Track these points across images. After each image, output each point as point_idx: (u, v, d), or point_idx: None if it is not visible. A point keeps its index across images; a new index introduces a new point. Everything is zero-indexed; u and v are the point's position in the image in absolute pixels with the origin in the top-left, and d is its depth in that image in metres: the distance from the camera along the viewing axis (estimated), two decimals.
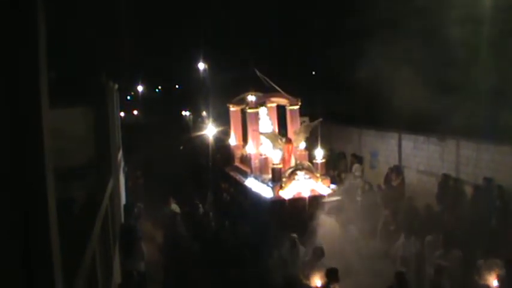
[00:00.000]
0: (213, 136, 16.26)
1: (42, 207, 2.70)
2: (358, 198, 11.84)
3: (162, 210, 11.67)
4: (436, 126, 12.71)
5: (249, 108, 12.28)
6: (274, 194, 10.56)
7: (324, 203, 10.27)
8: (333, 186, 11.17)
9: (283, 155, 11.34)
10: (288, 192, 10.52)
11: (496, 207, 9.95)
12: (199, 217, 11.42)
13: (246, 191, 11.69)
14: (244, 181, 12.06)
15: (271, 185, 10.77)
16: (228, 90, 16.78)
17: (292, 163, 11.35)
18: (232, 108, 13.85)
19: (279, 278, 7.65)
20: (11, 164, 2.60)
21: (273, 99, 12.84)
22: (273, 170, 10.86)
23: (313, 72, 25.89)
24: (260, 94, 12.70)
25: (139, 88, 42.51)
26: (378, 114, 15.34)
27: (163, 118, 33.35)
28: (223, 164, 14.70)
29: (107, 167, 8.68)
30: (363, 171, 14.86)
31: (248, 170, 12.24)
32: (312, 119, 12.57)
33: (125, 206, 11.39)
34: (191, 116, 35.13)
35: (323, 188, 10.82)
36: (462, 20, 11.32)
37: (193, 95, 32.87)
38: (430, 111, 11.76)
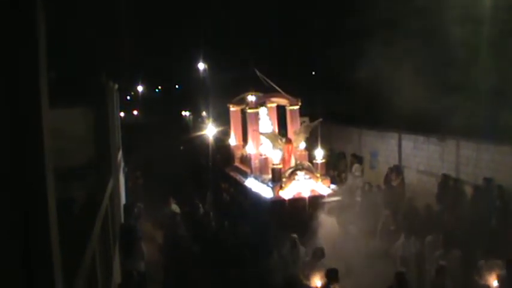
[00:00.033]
0: (213, 136, 16.26)
1: (42, 207, 2.70)
2: (358, 199, 11.84)
3: (162, 210, 11.67)
4: (436, 126, 12.71)
5: (249, 108, 12.28)
6: (274, 194, 10.56)
7: (324, 203, 10.27)
8: (333, 186, 11.17)
9: (283, 155, 11.35)
10: (288, 193, 10.52)
11: (496, 207, 9.95)
12: (200, 217, 11.42)
13: (246, 191, 11.69)
14: (244, 181, 12.06)
15: (271, 185, 10.77)
16: (228, 90, 16.78)
17: (292, 163, 11.35)
18: (232, 108, 13.85)
19: (279, 278, 7.66)
20: (11, 164, 2.60)
21: (273, 99, 12.84)
22: (273, 170, 10.86)
23: (313, 72, 25.88)
24: (260, 94, 12.70)
25: (139, 88, 42.52)
26: (378, 114, 15.35)
27: (163, 118, 33.34)
28: (223, 164, 14.70)
29: (107, 167, 8.67)
30: (362, 171, 14.86)
31: (248, 170, 12.24)
32: (312, 119, 12.58)
33: (125, 206, 11.38)
34: (191, 116, 35.14)
35: (323, 188, 10.82)
36: (462, 20, 11.32)
37: (193, 95, 32.87)
38: (430, 111, 11.77)
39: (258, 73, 12.47)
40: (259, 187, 11.21)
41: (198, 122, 29.35)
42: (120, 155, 12.32)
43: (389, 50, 11.93)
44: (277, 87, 12.29)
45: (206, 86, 29.59)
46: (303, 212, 10.23)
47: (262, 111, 12.54)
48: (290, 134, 12.27)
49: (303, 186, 10.62)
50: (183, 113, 37.22)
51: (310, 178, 10.78)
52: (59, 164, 3.75)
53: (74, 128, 7.38)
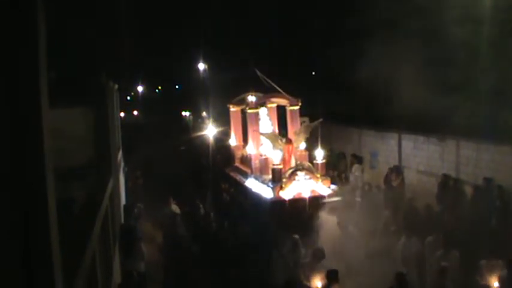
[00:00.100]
0: (213, 136, 16.26)
1: (42, 207, 2.70)
2: (358, 199, 11.84)
3: (162, 210, 11.67)
4: (436, 126, 12.72)
5: (249, 108, 12.27)
6: (274, 194, 10.55)
7: (324, 203, 10.26)
8: (333, 186, 11.17)
9: (284, 155, 11.34)
10: (288, 193, 10.51)
11: (496, 207, 9.95)
12: (200, 217, 11.42)
13: (246, 191, 11.68)
14: (244, 182, 12.05)
15: (271, 185, 10.76)
16: (228, 90, 16.78)
17: (293, 163, 11.35)
18: (233, 109, 13.85)
19: (280, 278, 7.65)
20: (11, 164, 2.59)
21: (273, 99, 12.83)
22: (273, 170, 10.85)
23: (313, 72, 25.88)
24: (260, 94, 12.69)
25: (140, 88, 42.50)
26: (377, 114, 15.35)
27: (163, 118, 33.32)
28: (223, 164, 14.69)
29: (107, 167, 8.68)
30: (362, 171, 14.85)
31: (248, 171, 12.24)
32: (312, 119, 12.56)
33: (125, 206, 11.38)
34: (191, 117, 35.13)
35: (323, 188, 10.82)
36: (462, 20, 11.32)
37: (193, 95, 32.86)
38: (430, 111, 11.77)
39: (258, 73, 12.46)
40: (259, 187, 11.20)
41: (198, 122, 29.35)
42: (120, 155, 12.32)
43: (389, 50, 11.95)
44: (277, 88, 12.28)
45: (206, 86, 29.59)
46: (303, 212, 10.22)
47: (263, 111, 12.53)
48: (290, 134, 12.26)
49: (303, 186, 10.61)
50: (183, 113, 37.21)
51: (310, 178, 10.77)
52: (59, 164, 3.75)
53: (74, 128, 7.38)
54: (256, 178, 11.68)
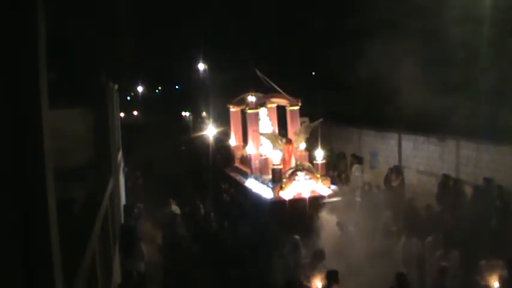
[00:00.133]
0: (213, 137, 16.26)
1: (42, 207, 2.70)
2: (358, 199, 11.84)
3: (162, 210, 11.67)
4: (436, 126, 12.71)
5: (249, 108, 12.28)
6: (274, 194, 10.55)
7: (324, 203, 10.26)
8: (333, 187, 11.17)
9: (284, 155, 11.34)
10: (288, 193, 10.51)
11: (496, 207, 9.96)
12: (201, 217, 11.42)
13: (246, 191, 11.68)
14: (244, 182, 12.05)
15: (271, 185, 10.76)
16: (228, 90, 16.77)
17: (293, 164, 11.35)
18: (233, 109, 13.84)
19: (280, 278, 7.65)
20: (11, 164, 2.59)
21: (273, 99, 12.83)
22: (273, 170, 10.85)
23: (313, 72, 25.87)
24: (260, 95, 12.69)
25: (139, 88, 42.51)
26: (377, 115, 15.35)
27: (163, 118, 33.33)
28: (223, 164, 14.70)
29: (107, 167, 8.68)
30: (362, 171, 14.85)
31: (248, 171, 12.24)
32: (312, 120, 12.56)
33: (125, 206, 11.39)
34: (191, 117, 35.12)
35: (323, 188, 10.82)
36: (462, 20, 11.32)
37: (193, 95, 32.85)
38: (430, 111, 11.77)
39: (258, 73, 12.46)
40: (259, 188, 11.20)
41: (198, 123, 29.34)
42: (120, 155, 12.33)
43: (389, 50, 11.93)
44: (277, 88, 12.28)
45: (206, 87, 29.58)
46: (303, 212, 10.22)
47: (263, 111, 12.53)
48: (290, 135, 12.26)
49: (303, 186, 10.62)
50: (183, 113, 37.21)
51: (310, 179, 10.77)
52: (59, 164, 3.75)
53: (74, 128, 7.38)
54: (256, 178, 11.68)
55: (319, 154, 11.26)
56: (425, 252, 8.58)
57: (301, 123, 12.64)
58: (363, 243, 8.85)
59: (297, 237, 8.65)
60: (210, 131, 16.28)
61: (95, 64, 8.58)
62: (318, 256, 7.87)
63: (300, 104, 12.51)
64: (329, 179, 11.28)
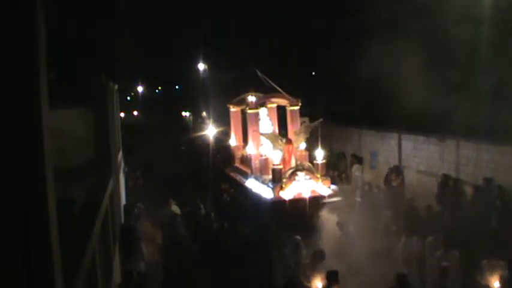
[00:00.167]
0: (213, 137, 16.26)
1: (42, 207, 2.70)
2: (358, 199, 11.84)
3: (162, 210, 11.67)
4: (436, 126, 12.72)
5: (249, 108, 12.27)
6: (274, 194, 10.55)
7: (324, 203, 10.26)
8: (333, 187, 11.17)
9: (284, 155, 11.33)
10: (288, 193, 10.51)
11: (496, 207, 9.96)
12: (201, 217, 11.42)
13: (246, 191, 11.68)
14: (244, 182, 12.05)
15: (271, 185, 10.76)
16: (228, 90, 16.77)
17: (293, 164, 11.34)
18: (233, 109, 13.84)
19: (280, 278, 7.65)
20: (11, 164, 2.59)
21: (273, 99, 12.83)
22: (274, 170, 10.85)
23: (313, 72, 25.87)
24: (260, 95, 12.69)
25: (140, 88, 42.51)
26: (378, 114, 15.35)
27: (163, 118, 33.33)
28: (223, 164, 14.69)
29: (107, 168, 8.68)
30: (362, 171, 14.85)
31: (248, 171, 12.23)
32: (312, 120, 12.56)
33: (125, 206, 11.39)
34: (191, 117, 35.12)
35: (323, 188, 10.81)
36: (462, 20, 11.32)
37: (193, 95, 32.85)
38: (430, 111, 11.77)
39: (259, 73, 12.45)
40: (259, 188, 11.20)
41: (198, 123, 29.34)
42: (120, 155, 12.33)
43: (389, 50, 11.93)
44: (278, 88, 12.28)
45: (206, 87, 29.58)
46: (303, 212, 10.22)
47: (263, 111, 12.53)
48: (290, 135, 12.26)
49: (303, 186, 10.61)
50: (183, 113, 37.21)
51: (310, 179, 10.77)
52: (59, 164, 3.75)
53: (74, 128, 7.38)
54: (256, 178, 11.68)
55: (319, 154, 11.26)
56: (425, 252, 8.58)
57: (301, 123, 12.63)
58: (363, 243, 8.85)
59: (298, 237, 8.65)
60: (210, 131, 16.29)
61: (94, 64, 8.57)
62: (318, 256, 7.86)
63: (300, 104, 12.50)
64: (329, 179, 11.28)
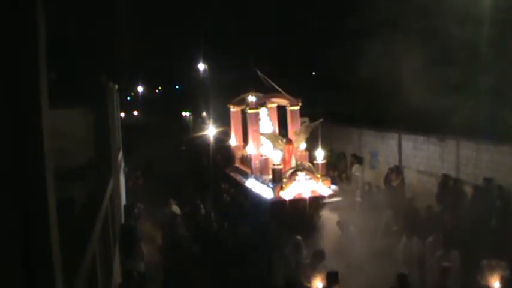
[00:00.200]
0: (214, 137, 16.27)
1: (42, 207, 2.70)
2: (358, 199, 11.83)
3: (162, 210, 11.66)
4: (436, 126, 12.72)
5: (250, 108, 12.27)
6: (274, 194, 10.54)
7: (324, 203, 10.26)
8: (333, 187, 11.17)
9: (284, 155, 11.33)
10: (288, 193, 10.50)
11: (496, 207, 9.96)
12: (201, 218, 11.41)
13: (246, 191, 11.68)
14: (244, 182, 12.05)
15: (271, 185, 10.76)
16: (228, 90, 16.77)
17: (293, 164, 11.34)
18: (233, 109, 13.84)
19: (280, 278, 7.65)
20: (11, 164, 2.59)
21: (273, 99, 12.83)
22: (274, 170, 10.84)
23: (313, 72, 25.87)
24: (260, 95, 12.69)
25: (140, 88, 42.54)
26: (377, 114, 15.35)
27: (164, 118, 33.34)
28: (223, 164, 14.69)
29: (107, 168, 8.68)
30: (362, 171, 14.86)
31: (248, 171, 12.23)
32: (312, 120, 12.57)
33: (125, 206, 11.38)
34: (191, 117, 35.13)
35: (323, 188, 10.81)
36: (462, 19, 11.32)
37: (193, 95, 32.86)
38: (430, 111, 11.77)
39: (259, 73, 12.46)
40: (259, 188, 11.20)
41: (198, 123, 29.35)
42: (120, 155, 12.33)
43: (389, 50, 11.93)
44: (278, 88, 12.28)
45: (206, 87, 29.59)
46: (303, 212, 10.21)
47: (263, 111, 12.53)
48: (290, 135, 12.26)
49: (303, 186, 10.61)
50: (183, 113, 37.22)
51: (310, 179, 10.76)
52: (59, 164, 3.75)
53: (74, 128, 7.38)
54: (256, 178, 11.68)
55: (320, 154, 11.26)
56: (426, 252, 8.57)
57: (301, 123, 12.64)
58: (363, 243, 8.85)
59: (299, 237, 8.64)
60: (210, 131, 16.29)
61: (94, 64, 8.57)
62: (318, 256, 7.86)
63: (300, 104, 12.50)
64: (329, 179, 11.27)
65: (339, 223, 9.33)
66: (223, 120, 15.99)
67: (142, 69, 32.76)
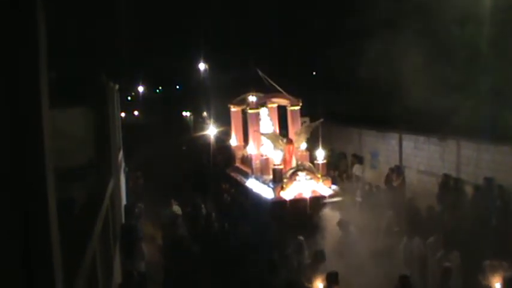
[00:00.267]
0: (214, 137, 16.27)
1: (42, 207, 2.70)
2: (359, 199, 11.83)
3: (162, 210, 11.66)
4: (436, 126, 12.71)
5: (250, 108, 12.28)
6: (275, 194, 10.55)
7: (325, 203, 10.25)
8: (334, 187, 11.16)
9: (284, 155, 11.33)
10: (289, 193, 10.51)
11: (497, 207, 9.95)
12: (202, 218, 11.40)
13: (247, 191, 11.68)
14: (245, 182, 12.05)
15: (272, 185, 10.76)
16: (229, 90, 16.78)
17: (293, 164, 11.34)
18: (233, 109, 13.84)
19: (281, 279, 7.63)
20: (11, 164, 2.59)
21: (273, 99, 12.83)
22: (274, 170, 10.84)
23: (313, 72, 25.87)
24: (261, 94, 12.70)
25: (140, 88, 42.58)
26: (378, 114, 15.34)
27: (164, 118, 33.37)
28: (224, 164, 14.69)
29: (108, 167, 8.67)
30: (363, 171, 14.85)
31: (249, 171, 12.23)
32: (312, 120, 12.57)
33: (126, 206, 11.38)
34: (192, 117, 35.15)
35: (324, 188, 10.81)
36: (462, 19, 11.32)
37: (193, 95, 32.89)
38: (431, 111, 11.76)
39: (260, 73, 12.47)
40: (260, 188, 11.20)
41: (198, 123, 29.37)
42: (121, 155, 12.32)
43: (389, 49, 11.92)
44: (279, 88, 12.28)
45: (207, 87, 29.61)
46: (304, 212, 10.21)
47: (263, 111, 12.54)
48: (291, 135, 12.26)
49: (304, 186, 10.61)
50: (184, 113, 37.24)
51: (311, 179, 10.76)
52: (59, 164, 3.75)
53: (74, 128, 7.36)
54: (257, 178, 11.68)
55: (320, 154, 11.26)
56: (427, 252, 8.56)
57: (301, 123, 12.64)
58: (364, 244, 8.83)
59: (301, 237, 8.63)
60: (210, 131, 16.29)
61: (95, 64, 8.57)
62: (319, 257, 7.85)
63: (300, 104, 12.50)
64: (330, 179, 11.28)
65: (339, 223, 9.32)
66: (224, 120, 16.00)
67: (142, 69, 32.82)
